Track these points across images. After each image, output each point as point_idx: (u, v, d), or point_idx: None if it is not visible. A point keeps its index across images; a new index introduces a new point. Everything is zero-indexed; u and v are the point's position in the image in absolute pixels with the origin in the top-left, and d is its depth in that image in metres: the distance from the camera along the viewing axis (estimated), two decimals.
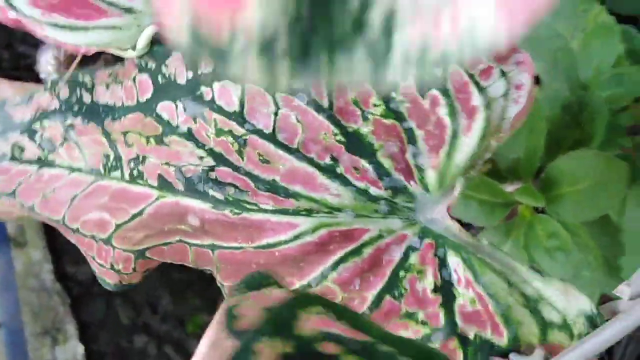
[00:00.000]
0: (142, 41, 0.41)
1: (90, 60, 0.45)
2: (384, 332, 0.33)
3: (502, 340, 0.40)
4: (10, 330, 1.02)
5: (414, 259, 0.40)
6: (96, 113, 0.43)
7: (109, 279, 0.44)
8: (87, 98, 0.44)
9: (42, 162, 0.44)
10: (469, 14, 0.16)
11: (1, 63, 0.74)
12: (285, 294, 0.27)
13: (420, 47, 0.17)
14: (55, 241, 1.08)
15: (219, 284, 0.43)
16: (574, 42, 0.72)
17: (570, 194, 0.59)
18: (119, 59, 0.44)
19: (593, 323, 0.38)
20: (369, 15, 0.17)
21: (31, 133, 0.44)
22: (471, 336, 0.40)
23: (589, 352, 0.30)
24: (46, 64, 0.47)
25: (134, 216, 0.42)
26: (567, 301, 0.39)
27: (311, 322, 0.26)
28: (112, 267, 0.44)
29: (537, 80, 0.77)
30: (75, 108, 0.44)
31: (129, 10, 0.41)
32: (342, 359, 0.26)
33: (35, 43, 0.76)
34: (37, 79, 0.73)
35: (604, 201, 0.58)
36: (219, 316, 0.27)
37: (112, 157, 0.43)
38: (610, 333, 0.30)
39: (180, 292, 1.08)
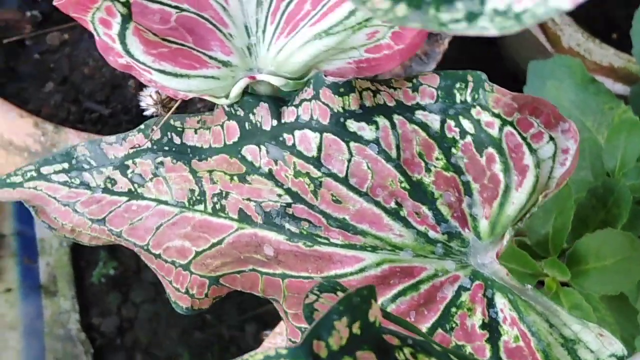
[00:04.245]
0: (235, 91, 0.47)
1: (184, 105, 0.51)
2: (431, 339, 0.37)
3: None
4: None
5: (464, 297, 0.45)
6: (184, 153, 0.49)
7: (182, 303, 0.49)
8: (176, 140, 0.49)
9: (131, 195, 0.50)
10: None
11: (69, 116, 0.80)
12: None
13: (505, 8, 0.23)
14: (84, 292, 1.12)
15: (282, 313, 0.48)
16: (599, 135, 0.78)
17: (595, 269, 0.64)
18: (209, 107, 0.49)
19: None
20: None
21: (123, 168, 0.50)
22: None
23: None
24: (148, 97, 0.52)
25: (213, 244, 0.47)
26: (602, 344, 0.43)
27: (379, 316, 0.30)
28: (186, 292, 0.49)
29: None
30: (166, 148, 0.49)
31: (226, 64, 0.47)
32: (402, 349, 0.30)
33: (100, 100, 0.82)
34: (99, 132, 0.79)
35: (626, 277, 0.63)
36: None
37: (197, 192, 0.48)
38: None
39: (200, 352, 1.11)
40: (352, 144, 0.45)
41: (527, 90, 0.90)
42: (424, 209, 0.45)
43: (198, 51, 0.47)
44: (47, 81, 0.83)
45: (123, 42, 0.44)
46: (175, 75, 0.46)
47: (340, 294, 0.32)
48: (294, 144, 0.46)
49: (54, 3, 0.41)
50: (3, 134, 0.80)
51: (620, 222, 0.66)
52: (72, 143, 0.76)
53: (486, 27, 0.24)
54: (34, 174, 0.51)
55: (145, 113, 0.54)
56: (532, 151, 0.44)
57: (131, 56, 0.45)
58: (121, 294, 1.16)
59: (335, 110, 0.45)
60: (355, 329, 0.28)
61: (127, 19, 0.43)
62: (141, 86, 0.53)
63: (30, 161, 0.79)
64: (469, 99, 0.45)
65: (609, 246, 0.63)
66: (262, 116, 0.47)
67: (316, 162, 0.46)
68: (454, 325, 0.45)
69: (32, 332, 1.12)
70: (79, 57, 0.84)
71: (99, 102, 0.82)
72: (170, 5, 0.48)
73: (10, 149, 0.79)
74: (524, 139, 0.44)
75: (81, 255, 1.18)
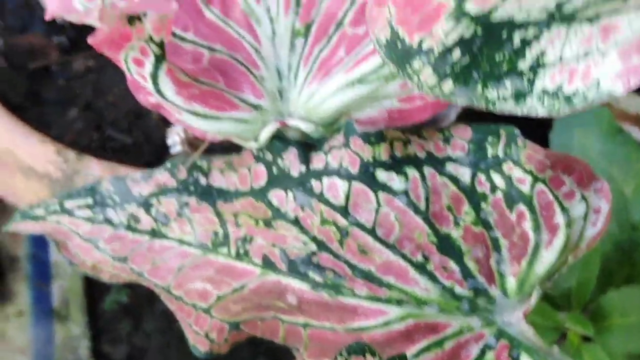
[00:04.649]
0: (265, 135, 0.46)
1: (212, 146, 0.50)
2: None
3: None
4: None
5: (490, 357, 0.44)
6: (209, 194, 0.48)
7: (200, 347, 0.48)
8: (202, 181, 0.49)
9: (154, 233, 0.49)
10: (597, 73, 0.22)
11: (90, 143, 0.79)
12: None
13: (555, 88, 0.22)
14: (96, 319, 1.12)
15: None
16: (625, 187, 0.77)
17: (619, 325, 0.63)
18: (234, 149, 0.49)
19: None
20: (521, 62, 0.23)
21: (147, 206, 0.49)
22: None
23: None
24: (175, 135, 0.52)
25: (235, 290, 0.47)
26: None
27: None
28: (206, 336, 0.48)
29: None
30: (191, 188, 0.49)
31: (256, 107, 0.47)
32: None
33: (123, 129, 0.82)
34: (120, 161, 0.78)
35: None
36: None
37: (220, 234, 0.48)
38: None
39: None
40: (380, 194, 0.45)
41: (553, 137, 0.89)
42: (451, 263, 0.45)
43: (229, 93, 0.46)
44: (70, 107, 0.83)
45: (155, 82, 0.44)
46: (206, 116, 0.45)
47: (369, 357, 0.31)
48: (321, 192, 0.45)
49: (89, 41, 0.41)
50: (23, 160, 0.79)
51: None
52: (94, 171, 0.76)
53: (535, 107, 0.23)
54: (58, 208, 0.51)
55: (171, 151, 0.53)
56: (564, 210, 0.44)
57: (162, 96, 0.44)
58: (133, 322, 1.15)
59: (366, 160, 0.44)
60: None
61: (160, 59, 0.43)
62: (165, 118, 0.52)
63: (50, 188, 0.79)
64: (500, 154, 0.44)
65: (634, 303, 0.62)
66: (290, 161, 0.46)
67: (343, 210, 0.45)
68: None
69: (43, 357, 1.12)
70: (104, 85, 0.84)
71: (122, 130, 0.81)
72: (202, 46, 0.48)
73: (31, 175, 0.78)
74: (555, 197, 0.44)
75: (95, 281, 1.17)
